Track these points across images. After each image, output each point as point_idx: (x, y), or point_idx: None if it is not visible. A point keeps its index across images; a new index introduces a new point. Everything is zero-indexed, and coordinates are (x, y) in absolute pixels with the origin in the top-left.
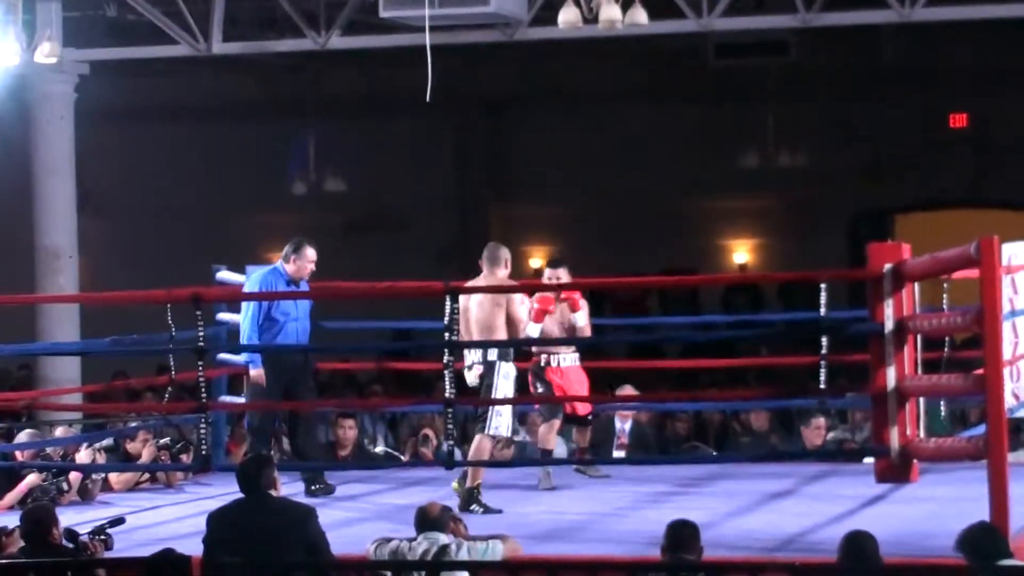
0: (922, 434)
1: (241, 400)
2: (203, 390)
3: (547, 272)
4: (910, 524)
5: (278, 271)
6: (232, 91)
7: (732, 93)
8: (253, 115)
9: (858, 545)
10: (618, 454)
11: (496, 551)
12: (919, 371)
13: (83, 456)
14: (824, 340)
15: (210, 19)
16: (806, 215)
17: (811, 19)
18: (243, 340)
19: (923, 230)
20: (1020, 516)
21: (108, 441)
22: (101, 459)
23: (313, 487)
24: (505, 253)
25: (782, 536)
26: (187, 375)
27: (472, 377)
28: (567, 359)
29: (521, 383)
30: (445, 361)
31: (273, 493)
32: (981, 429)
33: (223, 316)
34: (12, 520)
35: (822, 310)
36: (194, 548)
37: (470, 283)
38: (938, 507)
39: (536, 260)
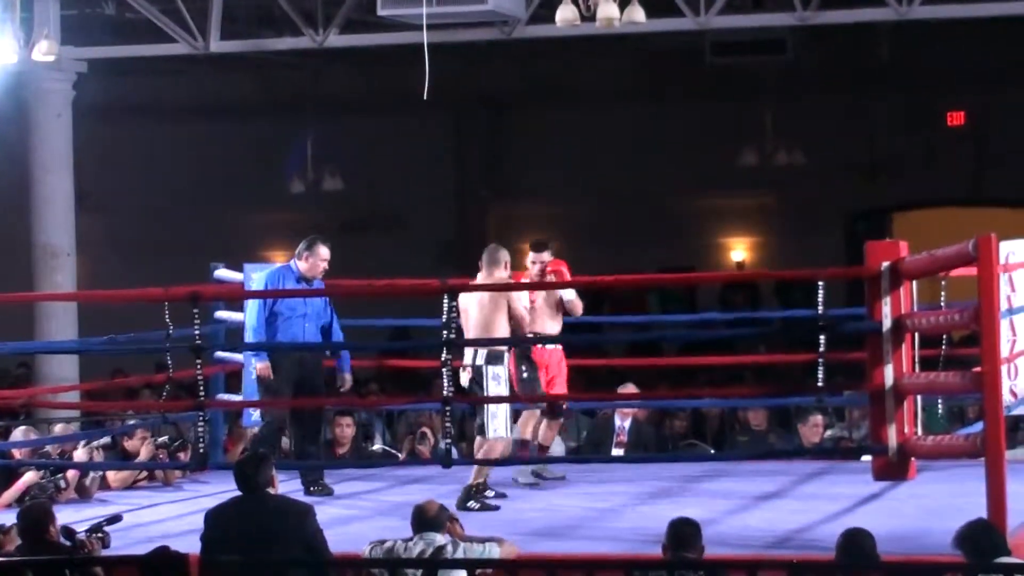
0: (920, 432)
1: (239, 398)
2: (201, 388)
3: (531, 255)
4: (908, 521)
5: (289, 268)
6: (230, 89)
7: (730, 91)
8: (251, 113)
9: (856, 542)
10: (617, 452)
11: (492, 553)
12: (917, 369)
13: (80, 454)
14: (822, 338)
15: (208, 17)
16: (804, 213)
17: (808, 17)
18: (249, 336)
19: (921, 228)
20: (1017, 513)
21: (106, 439)
22: (99, 457)
23: (312, 488)
24: (504, 255)
25: (780, 534)
26: (185, 373)
27: (465, 379)
28: (548, 344)
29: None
30: (443, 359)
31: (271, 491)
32: (978, 427)
33: (221, 314)
34: (10, 518)
35: (820, 308)
36: (192, 546)
37: (469, 284)
38: (936, 504)
39: None
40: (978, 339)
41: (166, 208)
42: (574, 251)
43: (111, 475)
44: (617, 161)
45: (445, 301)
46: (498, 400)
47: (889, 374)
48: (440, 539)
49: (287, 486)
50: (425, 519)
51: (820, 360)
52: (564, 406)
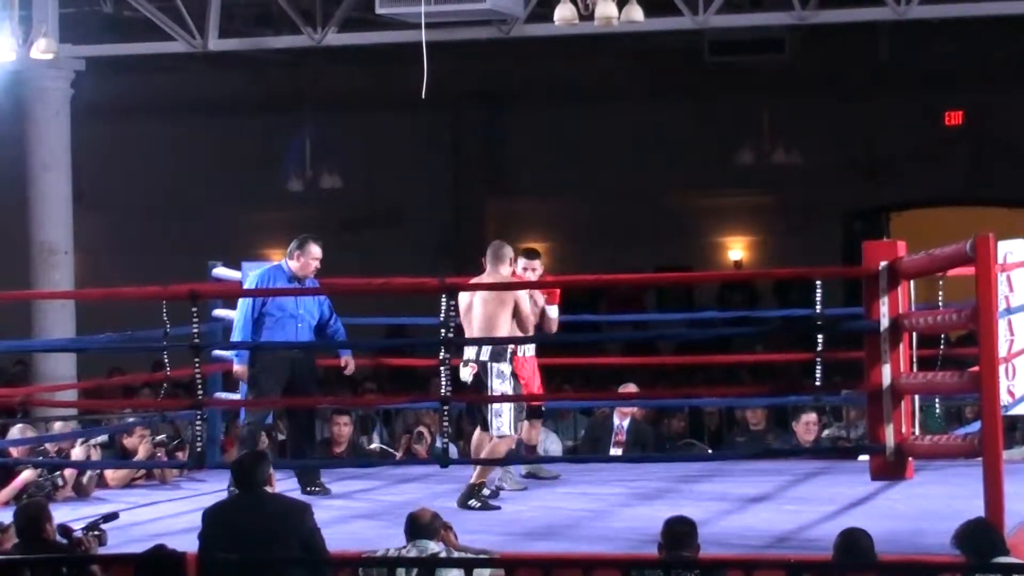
0: (917, 432)
1: (237, 397)
2: (199, 387)
3: (522, 262)
4: (905, 521)
5: (281, 268)
6: (228, 87)
7: (728, 90)
8: (249, 111)
9: (853, 542)
10: (615, 451)
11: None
12: (914, 369)
13: (78, 452)
14: (819, 337)
15: (206, 15)
16: (801, 212)
17: (807, 16)
18: (235, 336)
19: (919, 227)
20: (1014, 513)
21: (103, 437)
22: (96, 455)
23: (309, 488)
24: (509, 252)
25: (777, 533)
26: (183, 371)
27: (466, 374)
28: (529, 350)
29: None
30: (441, 358)
31: (268, 490)
32: (976, 426)
33: (219, 312)
34: (7, 516)
35: (817, 307)
36: (189, 544)
37: (474, 281)
38: (933, 504)
39: None
40: (976, 339)
41: (164, 206)
42: (571, 249)
43: (109, 473)
44: (615, 160)
45: (443, 300)
46: (502, 399)
47: (887, 374)
48: (433, 547)
49: (284, 485)
50: (418, 527)
51: (818, 359)
52: (543, 408)
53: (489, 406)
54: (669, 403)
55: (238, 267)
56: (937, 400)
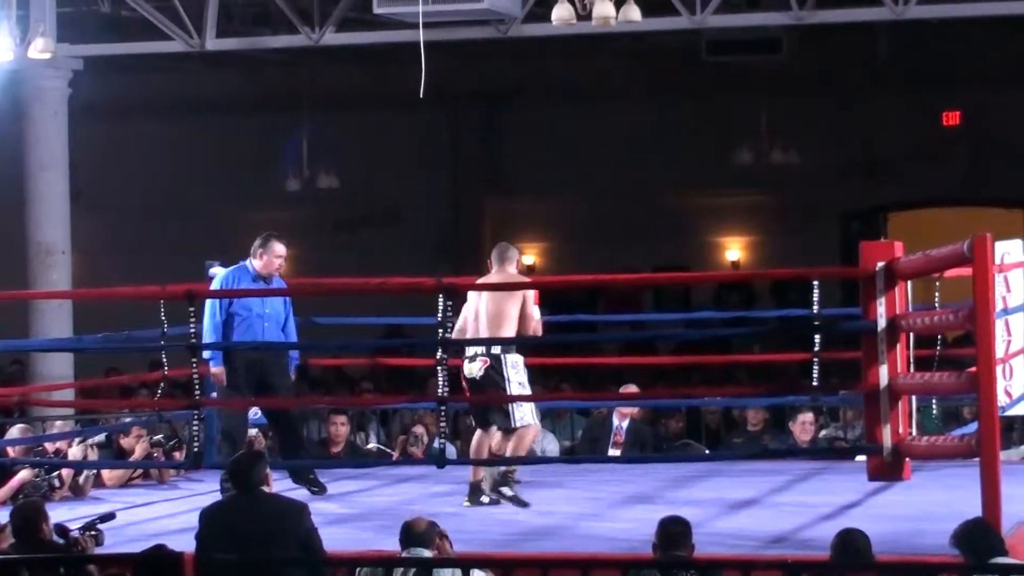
0: (914, 432)
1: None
2: (196, 386)
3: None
4: (902, 521)
5: (245, 268)
6: (226, 87)
7: (725, 90)
8: (247, 111)
9: (851, 542)
10: (613, 452)
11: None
12: (911, 369)
13: (75, 452)
14: (817, 338)
15: (204, 15)
16: (799, 212)
17: (804, 16)
18: (207, 338)
19: (916, 228)
20: (1012, 514)
21: (100, 437)
22: (93, 455)
23: (305, 484)
24: (515, 252)
25: (775, 533)
26: (180, 371)
27: (475, 368)
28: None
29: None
30: (438, 358)
31: (265, 489)
32: (973, 427)
33: None
34: (3, 516)
35: (815, 308)
36: (186, 544)
37: (481, 281)
38: (930, 505)
39: (529, 256)
40: (973, 339)
41: (162, 206)
42: (569, 249)
43: (106, 473)
44: (612, 160)
45: (440, 300)
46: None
47: (884, 374)
48: (429, 555)
49: (280, 484)
50: (414, 535)
51: (815, 360)
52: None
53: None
54: (667, 403)
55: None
56: (934, 401)
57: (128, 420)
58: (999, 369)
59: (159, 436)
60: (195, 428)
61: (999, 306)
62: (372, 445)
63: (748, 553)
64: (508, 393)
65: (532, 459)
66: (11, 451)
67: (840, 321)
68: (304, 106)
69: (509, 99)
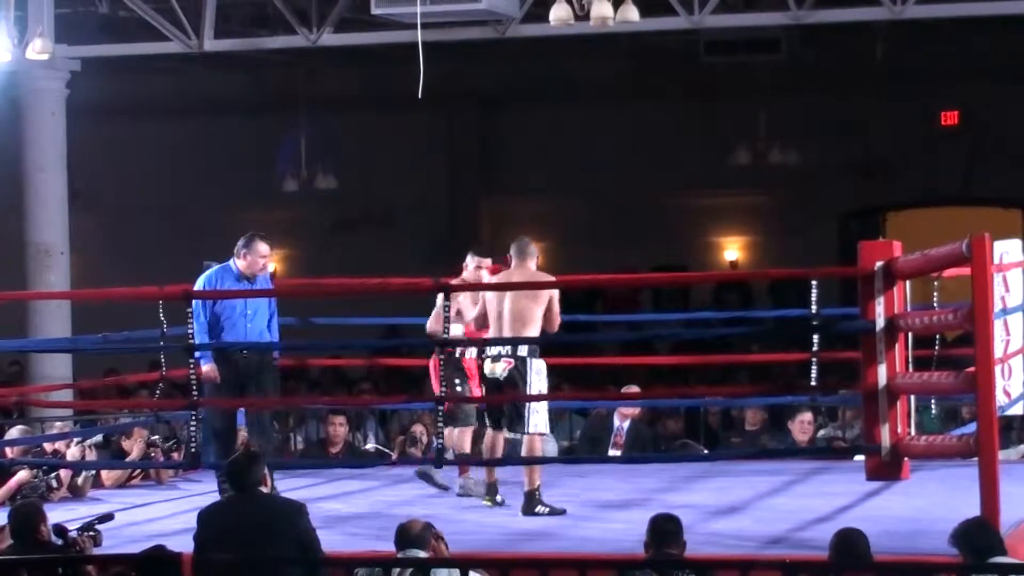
0: (913, 432)
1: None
2: (193, 387)
3: (477, 259)
4: (901, 521)
5: (228, 268)
6: (224, 88)
7: (723, 90)
8: (245, 112)
9: (849, 542)
10: (613, 453)
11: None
12: (910, 369)
13: (72, 452)
14: (815, 337)
15: (202, 16)
16: (797, 212)
17: (802, 16)
18: (197, 338)
19: (914, 227)
20: (1010, 514)
21: (97, 438)
22: (91, 455)
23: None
24: (534, 248)
25: (773, 533)
26: (179, 372)
27: (499, 369)
28: (472, 352)
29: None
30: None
31: (263, 490)
32: (972, 427)
33: None
34: (1, 517)
35: (813, 307)
36: (185, 545)
37: (501, 277)
38: (929, 505)
39: None
40: (972, 339)
41: (159, 206)
42: (567, 250)
43: (105, 473)
44: (611, 160)
45: (439, 299)
46: (494, 399)
47: (882, 374)
48: (424, 556)
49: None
50: (409, 537)
51: (814, 359)
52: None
53: (527, 404)
54: (665, 403)
55: None
56: (933, 400)
57: (126, 421)
58: (998, 369)
59: (155, 436)
60: (193, 428)
61: (998, 306)
62: (370, 445)
63: (747, 553)
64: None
65: (531, 460)
66: (9, 452)
67: (839, 321)
68: (302, 107)
69: (507, 100)
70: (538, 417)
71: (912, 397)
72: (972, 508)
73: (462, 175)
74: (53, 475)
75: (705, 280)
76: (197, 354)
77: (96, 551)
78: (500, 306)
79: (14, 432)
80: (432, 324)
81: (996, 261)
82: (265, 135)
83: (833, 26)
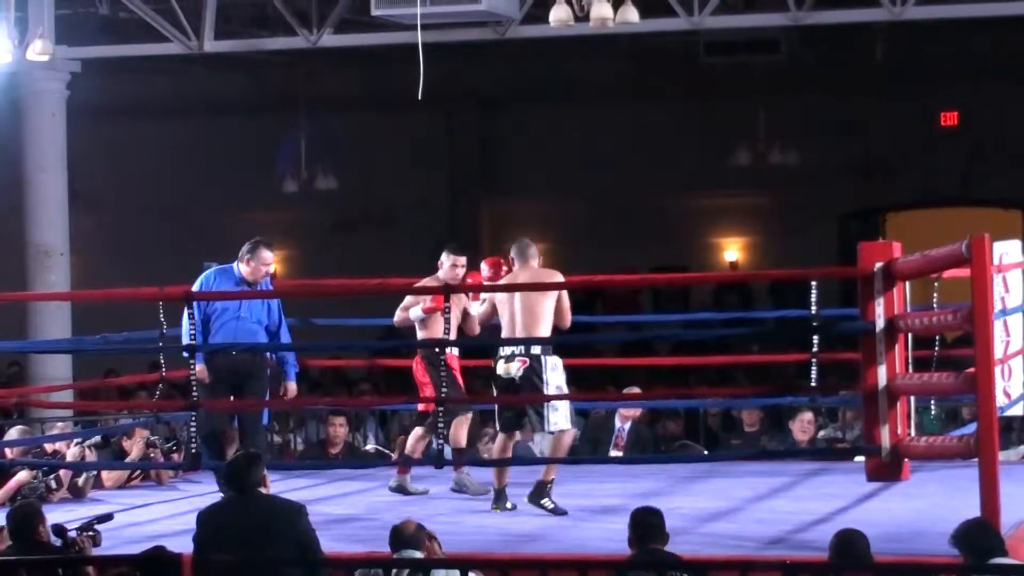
0: (913, 433)
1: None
2: (193, 388)
3: (453, 258)
4: (901, 522)
5: (231, 270)
6: (224, 89)
7: (723, 91)
8: (245, 113)
9: (849, 543)
10: (614, 454)
11: None
12: (910, 370)
13: (72, 453)
14: (815, 338)
15: (202, 17)
16: (797, 213)
17: (802, 17)
18: (186, 338)
19: (914, 228)
20: (1011, 514)
21: (95, 438)
22: (91, 456)
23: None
24: (535, 249)
25: (773, 534)
26: (179, 373)
27: (513, 368)
28: (454, 348)
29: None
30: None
31: (262, 491)
32: (972, 428)
33: None
34: (0, 518)
35: (813, 308)
36: (185, 546)
37: (506, 280)
38: (929, 506)
39: None
40: (972, 340)
41: (160, 207)
42: (567, 250)
43: (105, 474)
44: (610, 161)
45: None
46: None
47: (882, 375)
48: (419, 557)
49: (278, 486)
50: (404, 538)
51: (813, 360)
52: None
53: (545, 403)
54: (665, 404)
55: None
56: (933, 401)
57: (126, 421)
58: (998, 370)
59: (154, 437)
60: (192, 429)
61: (997, 307)
62: (370, 446)
63: (747, 554)
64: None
65: (531, 460)
66: (9, 452)
67: (838, 322)
68: (302, 107)
69: (506, 100)
70: (557, 415)
71: (912, 398)
72: (972, 509)
73: (462, 176)
74: (52, 476)
75: (705, 281)
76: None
77: (95, 551)
78: (512, 306)
79: (13, 432)
80: (401, 316)
81: (996, 262)
82: (265, 136)
83: (833, 27)
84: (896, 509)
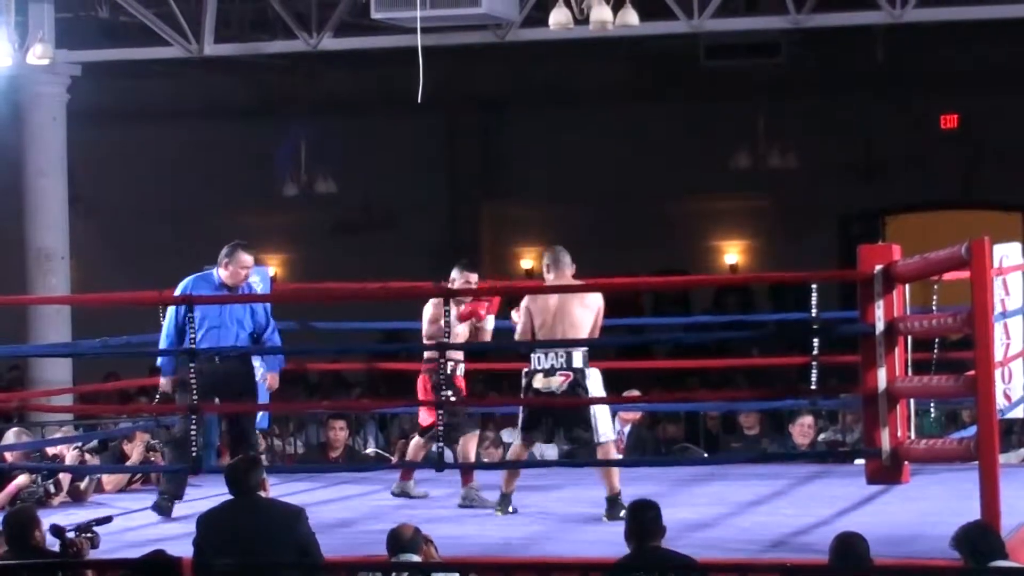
0: (913, 435)
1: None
2: (194, 391)
3: (465, 275)
4: (901, 525)
5: (210, 276)
6: (224, 92)
7: (723, 94)
8: (245, 116)
9: (849, 546)
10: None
11: None
12: (910, 372)
13: (72, 457)
14: (815, 341)
15: (202, 20)
16: (797, 216)
17: (802, 20)
18: (161, 345)
19: (914, 231)
20: (1011, 517)
21: (94, 442)
22: (90, 459)
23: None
24: (568, 257)
25: (773, 537)
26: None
27: (554, 383)
28: (461, 368)
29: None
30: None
31: (262, 494)
32: (972, 430)
33: None
34: None
35: (813, 311)
36: (184, 549)
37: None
38: (929, 508)
39: (527, 261)
40: (972, 343)
41: (160, 211)
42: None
43: (105, 478)
44: (610, 164)
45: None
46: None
47: (882, 378)
48: (417, 560)
49: (277, 490)
50: (402, 542)
51: (813, 363)
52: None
53: (592, 414)
54: (665, 407)
55: None
56: (933, 404)
57: (126, 425)
58: (998, 372)
59: (154, 441)
60: (193, 433)
61: (997, 309)
62: (371, 450)
63: (747, 557)
64: (593, 409)
65: (531, 463)
66: (8, 456)
67: (838, 324)
68: (302, 111)
69: (507, 104)
70: (605, 424)
71: (912, 401)
72: (973, 512)
73: (462, 179)
74: (51, 480)
75: (705, 284)
76: (159, 362)
77: (94, 554)
78: (553, 319)
79: (10, 436)
80: (431, 329)
81: (996, 264)
82: (265, 139)
83: (833, 30)
84: (896, 512)
